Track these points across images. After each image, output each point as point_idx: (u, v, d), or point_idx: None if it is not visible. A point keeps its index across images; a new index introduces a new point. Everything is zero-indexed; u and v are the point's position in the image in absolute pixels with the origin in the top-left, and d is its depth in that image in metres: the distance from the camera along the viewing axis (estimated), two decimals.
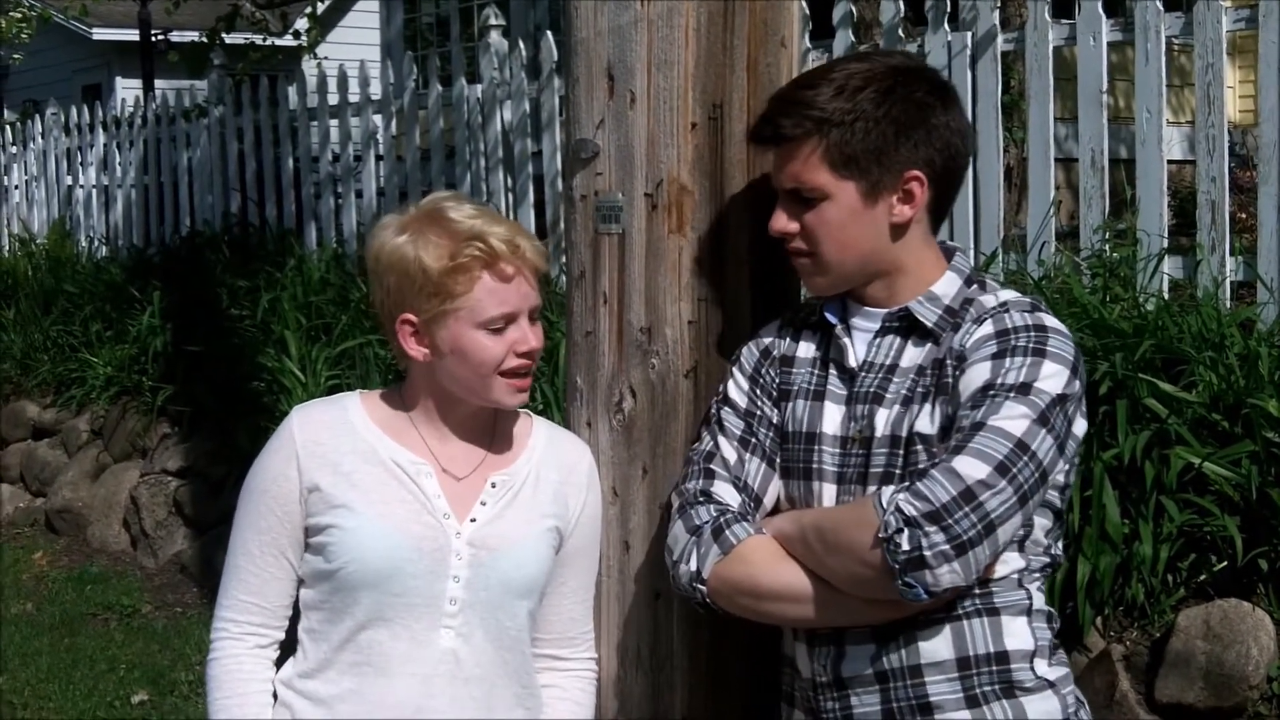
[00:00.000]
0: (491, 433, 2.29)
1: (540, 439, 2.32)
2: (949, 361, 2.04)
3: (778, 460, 2.17)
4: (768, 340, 2.25)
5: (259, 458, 2.26)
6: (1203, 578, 3.94)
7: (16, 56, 18.24)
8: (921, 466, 1.98)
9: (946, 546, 1.87)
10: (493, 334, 2.16)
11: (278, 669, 2.24)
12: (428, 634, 2.16)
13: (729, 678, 2.37)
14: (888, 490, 1.94)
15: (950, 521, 1.87)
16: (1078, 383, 2.03)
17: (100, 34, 17.76)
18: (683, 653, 2.36)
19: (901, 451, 2.03)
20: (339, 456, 2.19)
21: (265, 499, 2.20)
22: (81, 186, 11.21)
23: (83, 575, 7.13)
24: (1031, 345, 2.00)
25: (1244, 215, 6.60)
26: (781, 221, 2.14)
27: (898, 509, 1.89)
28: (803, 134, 2.06)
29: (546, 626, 2.31)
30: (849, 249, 2.10)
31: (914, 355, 2.10)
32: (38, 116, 11.93)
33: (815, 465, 2.12)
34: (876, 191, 2.07)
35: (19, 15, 16.82)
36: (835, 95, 2.06)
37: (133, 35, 16.49)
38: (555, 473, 2.29)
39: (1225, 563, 3.91)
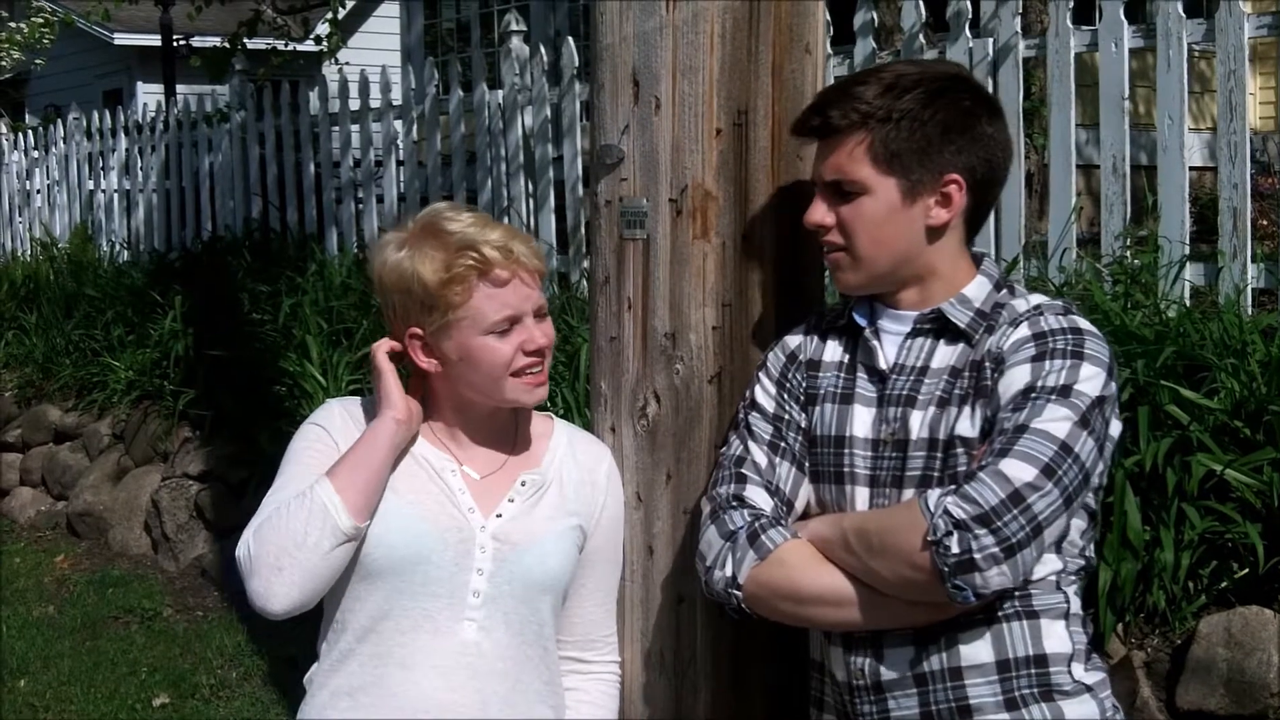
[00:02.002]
0: (514, 435, 2.32)
1: (561, 440, 2.35)
2: (987, 364, 2.05)
3: (807, 464, 2.18)
4: (794, 344, 2.26)
5: (301, 428, 2.32)
6: (1224, 585, 3.93)
7: (39, 61, 18.33)
8: (964, 469, 1.99)
9: (996, 549, 1.88)
10: (499, 337, 2.19)
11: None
12: (450, 625, 2.17)
13: (752, 682, 2.38)
14: (934, 494, 1.94)
15: (1000, 524, 1.88)
16: (1113, 384, 2.05)
17: (121, 39, 17.84)
18: (706, 657, 2.37)
19: (940, 454, 2.04)
20: None
21: (309, 451, 2.25)
22: (103, 191, 11.27)
23: (104, 578, 7.15)
24: (1070, 348, 2.01)
25: (1265, 222, 6.59)
26: (819, 213, 2.14)
27: (946, 512, 1.90)
28: (849, 126, 2.08)
29: (569, 629, 2.33)
30: (883, 246, 2.11)
31: (945, 356, 2.11)
32: (60, 121, 11.99)
33: (847, 469, 2.13)
34: (916, 191, 2.09)
35: (41, 20, 16.93)
36: (884, 92, 2.08)
37: (154, 41, 16.56)
38: (577, 473, 2.32)
39: (1246, 570, 3.89)
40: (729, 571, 2.08)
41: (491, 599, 2.19)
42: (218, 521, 7.14)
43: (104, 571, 7.30)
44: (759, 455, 2.17)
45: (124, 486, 7.92)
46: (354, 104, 8.87)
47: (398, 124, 8.49)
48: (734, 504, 2.13)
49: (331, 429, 2.28)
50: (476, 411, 2.28)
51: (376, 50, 15.30)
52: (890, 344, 2.16)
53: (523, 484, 2.27)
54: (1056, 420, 1.95)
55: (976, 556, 1.88)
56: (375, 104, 8.67)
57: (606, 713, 2.36)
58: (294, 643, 5.78)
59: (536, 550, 2.23)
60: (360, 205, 8.80)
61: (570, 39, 7.48)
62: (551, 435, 2.36)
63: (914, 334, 2.14)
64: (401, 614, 2.17)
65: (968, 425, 2.04)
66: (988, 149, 2.12)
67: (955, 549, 1.89)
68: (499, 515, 2.24)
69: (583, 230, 7.21)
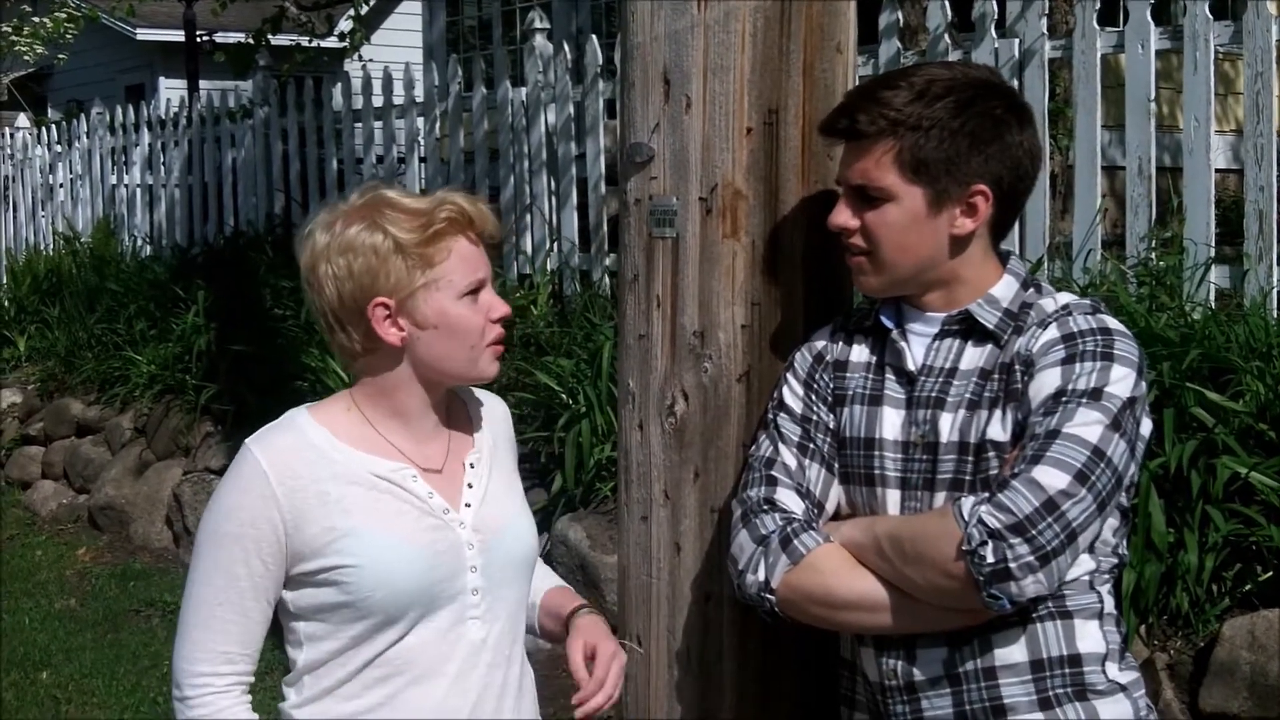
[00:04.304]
0: (445, 415, 2.24)
1: (471, 402, 2.31)
2: (1016, 366, 2.04)
3: (836, 465, 2.17)
4: (820, 345, 2.25)
5: (223, 497, 2.10)
6: (1248, 588, 3.92)
7: (62, 56, 18.39)
8: (996, 474, 1.99)
9: (1031, 558, 1.87)
10: (471, 303, 2.13)
11: None
12: (456, 629, 2.13)
13: (780, 679, 2.38)
14: (967, 501, 1.93)
15: (1034, 533, 1.87)
16: (1144, 384, 2.04)
17: (144, 34, 17.89)
18: (733, 655, 2.37)
19: (971, 458, 2.04)
20: (321, 486, 2.08)
21: (243, 544, 2.06)
22: (126, 186, 11.31)
23: (125, 572, 7.18)
24: (1099, 349, 2.00)
25: None
26: (844, 217, 2.13)
27: (980, 521, 1.89)
28: (877, 132, 2.07)
29: None
30: (906, 253, 2.10)
31: (974, 358, 2.10)
32: (83, 116, 12.03)
33: (877, 471, 2.12)
34: (942, 201, 2.08)
35: (65, 15, 16.98)
36: (915, 100, 2.06)
37: (177, 36, 16.60)
38: (490, 426, 2.30)
39: (1270, 573, 3.89)
40: (761, 576, 2.08)
41: (487, 590, 2.15)
42: None
43: (125, 565, 7.34)
44: (788, 457, 2.17)
45: (145, 480, 7.95)
46: (377, 100, 8.89)
47: (420, 121, 8.50)
48: (765, 507, 2.13)
49: (269, 506, 2.06)
50: (418, 398, 2.16)
51: (398, 47, 15.32)
52: (918, 345, 2.15)
53: (471, 466, 2.22)
54: (1088, 424, 1.94)
55: (1011, 566, 1.88)
56: (398, 100, 8.69)
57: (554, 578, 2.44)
58: None
59: (512, 529, 2.21)
60: None
61: (594, 37, 7.48)
62: (465, 402, 2.29)
63: (941, 335, 2.14)
64: (411, 636, 2.10)
65: (999, 429, 2.03)
66: (1016, 158, 2.10)
67: (990, 558, 1.88)
68: (468, 505, 2.18)
69: (604, 228, 7.22)
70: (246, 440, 2.13)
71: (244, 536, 2.06)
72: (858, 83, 2.37)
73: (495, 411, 2.33)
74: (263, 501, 2.06)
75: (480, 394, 2.34)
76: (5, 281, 11.62)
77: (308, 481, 2.07)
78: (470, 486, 2.20)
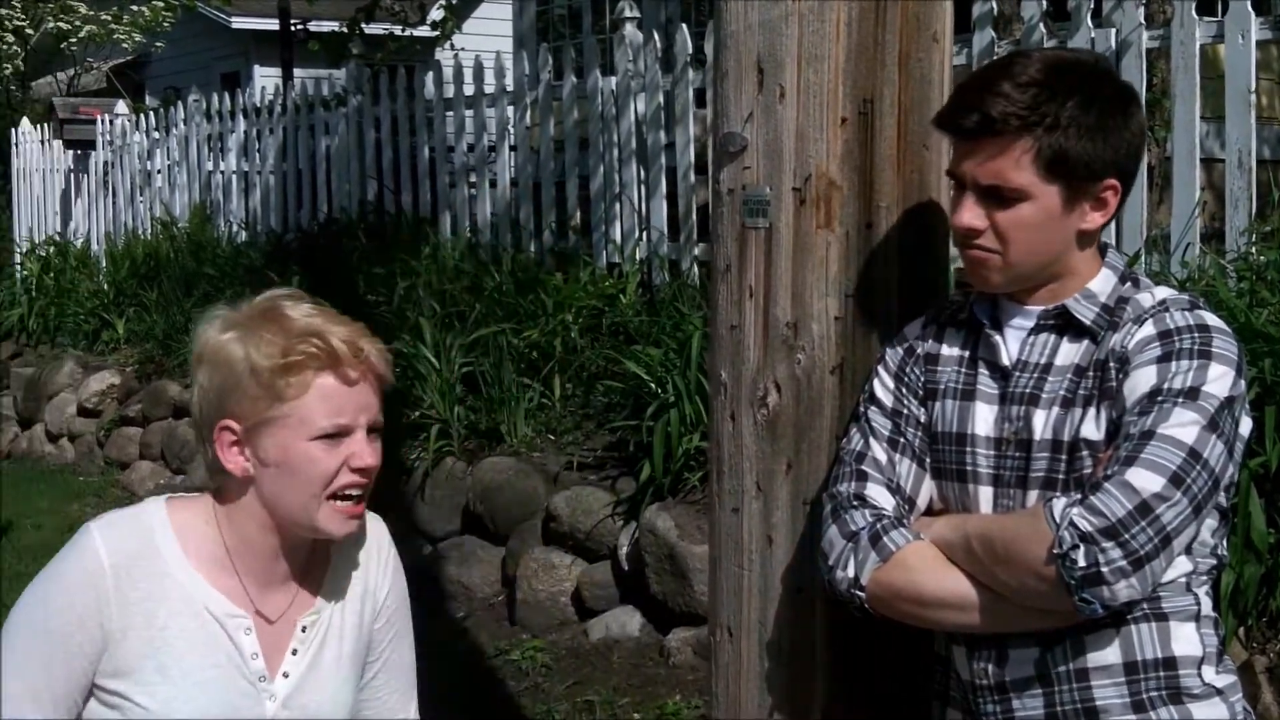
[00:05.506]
0: (304, 561, 2.03)
1: (348, 546, 2.08)
2: (1111, 364, 2.00)
3: (927, 460, 2.15)
4: (911, 337, 2.23)
5: (54, 590, 1.91)
6: None
7: (159, 44, 18.69)
8: (1089, 474, 1.95)
9: (1124, 563, 1.84)
10: (326, 446, 1.91)
11: None
12: None
13: (872, 673, 2.36)
14: (1059, 503, 1.90)
15: (1127, 537, 1.84)
16: (1242, 382, 1.98)
17: (240, 23, 18.11)
18: (825, 647, 2.36)
19: (1065, 456, 2.00)
20: (154, 605, 1.91)
21: (69, 644, 1.89)
22: (222, 172, 11.47)
23: None
24: (1197, 347, 1.95)
25: None
26: (972, 216, 2.04)
27: (1072, 524, 1.86)
28: (1012, 131, 1.98)
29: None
30: (1037, 252, 2.04)
31: (1069, 354, 2.06)
32: (179, 103, 12.21)
33: (969, 467, 2.10)
34: (1076, 197, 2.02)
35: (162, 4, 17.28)
36: (1047, 94, 1.97)
37: (272, 25, 16.79)
38: (359, 575, 2.10)
39: None
40: (851, 573, 2.07)
41: None
42: None
43: None
44: (879, 452, 2.15)
45: None
46: (468, 89, 8.94)
47: (510, 109, 8.55)
48: (855, 503, 2.11)
49: (102, 606, 1.90)
50: (276, 534, 1.97)
51: (489, 36, 15.40)
52: (1013, 340, 2.12)
53: (303, 630, 2.02)
54: (1184, 425, 1.89)
55: (1104, 570, 1.84)
56: (489, 89, 8.72)
57: None
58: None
59: (327, 709, 2.02)
60: (473, 190, 8.87)
61: (683, 26, 7.47)
62: (324, 547, 2.06)
63: (1037, 330, 2.10)
64: None
65: (1092, 428, 1.99)
66: (1135, 145, 2.05)
67: (1082, 562, 1.85)
68: (285, 675, 1.99)
69: (693, 217, 7.21)
70: (91, 525, 1.95)
71: (71, 636, 1.89)
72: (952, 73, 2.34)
73: (368, 554, 2.10)
74: (95, 602, 1.89)
75: (373, 534, 2.12)
76: (105, 266, 11.82)
77: (142, 596, 1.91)
78: (294, 654, 2.01)
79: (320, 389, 1.91)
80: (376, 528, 2.14)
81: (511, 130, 8.58)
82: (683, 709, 4.89)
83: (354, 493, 1.94)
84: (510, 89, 8.53)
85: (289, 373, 1.89)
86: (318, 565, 2.05)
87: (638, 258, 7.48)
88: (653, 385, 5.87)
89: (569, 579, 5.80)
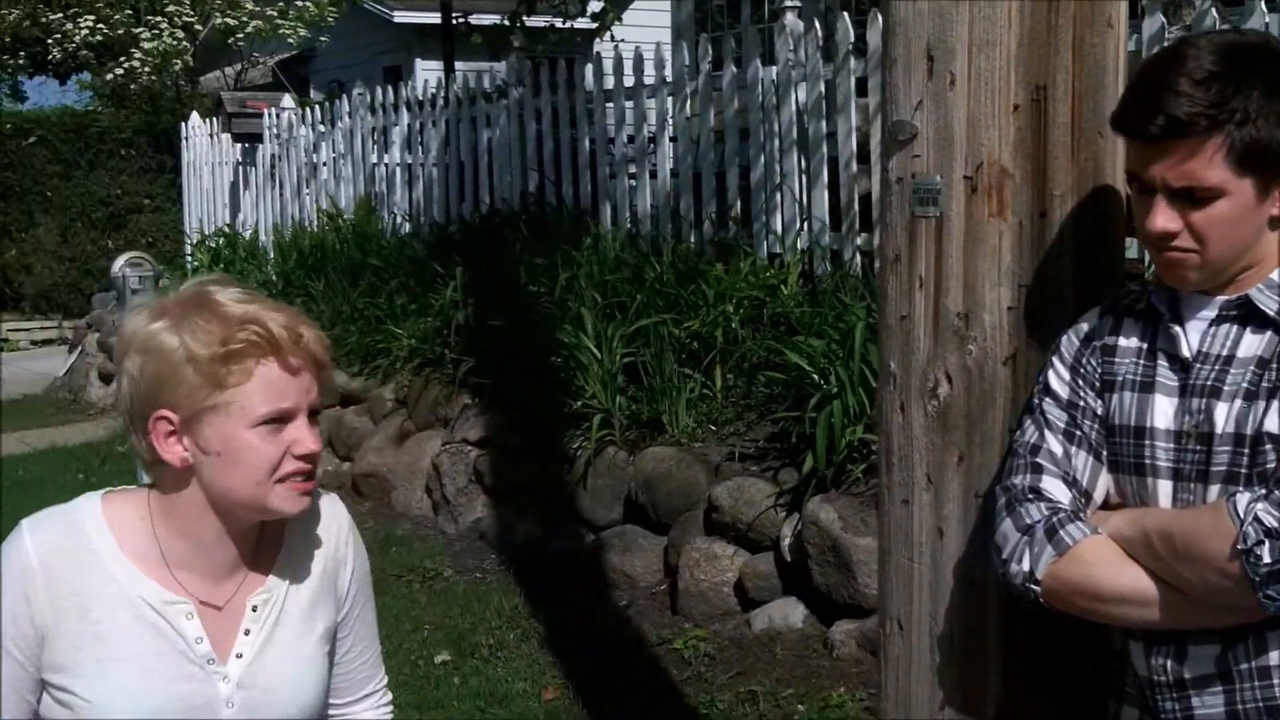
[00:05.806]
0: (254, 541, 2.02)
1: (297, 521, 2.06)
2: None
3: (1104, 453, 2.11)
4: (1088, 328, 2.19)
5: None
6: None
7: (323, 39, 19.11)
8: (1272, 468, 1.90)
9: None
10: (267, 433, 1.90)
11: None
12: None
13: (1047, 668, 2.33)
14: (1243, 498, 1.86)
15: None
16: None
17: (401, 17, 18.43)
18: (998, 641, 2.34)
19: (1247, 450, 1.95)
20: (86, 600, 1.90)
21: (6, 643, 1.88)
22: (385, 164, 11.68)
23: (388, 538, 7.43)
24: None
25: None
26: (1167, 219, 1.98)
27: (1256, 519, 1.82)
28: (1201, 131, 1.92)
29: (337, 692, 2.17)
30: (1235, 247, 1.99)
31: (1252, 345, 2.00)
32: (344, 97, 12.47)
33: (1148, 461, 2.05)
34: (1269, 186, 1.96)
35: None
36: (1235, 90, 1.91)
37: (433, 18, 17.05)
38: (318, 554, 2.08)
39: None
40: (1026, 566, 2.04)
41: None
42: (495, 486, 7.36)
43: (388, 530, 7.59)
44: (1054, 444, 2.11)
45: (406, 450, 8.22)
46: (628, 80, 8.98)
47: (670, 100, 8.57)
48: (1030, 496, 2.08)
49: (32, 602, 1.88)
50: (214, 520, 1.94)
51: (648, 27, 15.43)
52: (1194, 331, 2.06)
53: (254, 609, 1.99)
54: None
55: None
56: (648, 80, 8.75)
57: None
58: (571, 607, 5.93)
59: (290, 685, 2.00)
60: (634, 181, 8.91)
61: (844, 14, 7.42)
62: (274, 526, 2.04)
63: (1218, 321, 2.04)
64: None
65: (1275, 421, 1.93)
66: None
67: (1267, 558, 1.81)
68: (239, 655, 1.97)
69: (855, 207, 7.15)
70: (23, 522, 1.94)
71: (6, 637, 1.88)
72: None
73: (323, 530, 2.09)
74: (25, 601, 1.88)
75: (325, 508, 2.11)
76: (273, 257, 12.13)
77: (73, 591, 1.89)
78: (247, 634, 1.98)
79: (262, 376, 1.89)
80: (334, 507, 2.14)
81: (671, 121, 8.60)
82: (847, 701, 4.87)
83: (301, 474, 1.94)
84: (670, 80, 8.55)
85: (230, 360, 1.87)
86: (269, 547, 2.04)
87: (799, 248, 7.45)
88: (815, 376, 5.85)
89: (731, 569, 5.81)
